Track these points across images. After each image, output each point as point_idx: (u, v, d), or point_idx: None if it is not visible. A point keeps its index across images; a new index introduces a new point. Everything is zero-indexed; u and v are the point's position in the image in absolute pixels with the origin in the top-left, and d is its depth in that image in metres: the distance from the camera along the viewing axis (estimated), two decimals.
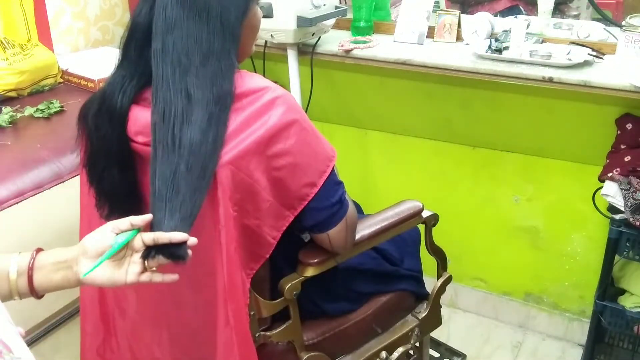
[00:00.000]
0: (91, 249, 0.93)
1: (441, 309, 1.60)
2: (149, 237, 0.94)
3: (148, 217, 0.97)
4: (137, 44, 1.06)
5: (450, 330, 2.30)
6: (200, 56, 1.02)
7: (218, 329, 1.11)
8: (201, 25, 1.02)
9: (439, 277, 1.57)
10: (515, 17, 2.22)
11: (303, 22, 1.83)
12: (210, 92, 1.01)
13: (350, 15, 2.13)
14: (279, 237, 1.13)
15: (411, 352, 1.57)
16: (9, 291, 0.92)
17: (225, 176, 1.01)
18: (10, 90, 1.85)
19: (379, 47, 2.01)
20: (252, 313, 1.21)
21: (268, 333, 1.28)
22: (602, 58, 1.79)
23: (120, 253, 0.95)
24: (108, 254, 0.93)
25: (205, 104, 1.00)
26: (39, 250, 0.97)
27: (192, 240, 0.96)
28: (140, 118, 1.07)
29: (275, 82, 1.11)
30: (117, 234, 0.94)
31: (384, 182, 2.42)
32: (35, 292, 0.94)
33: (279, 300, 1.25)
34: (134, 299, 1.27)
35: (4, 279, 0.92)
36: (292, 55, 2.00)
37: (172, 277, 0.98)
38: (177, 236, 0.94)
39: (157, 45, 1.02)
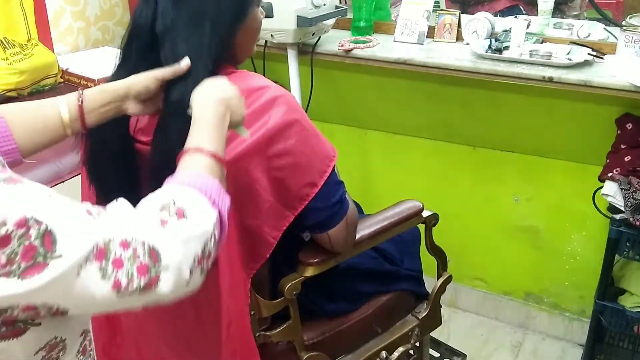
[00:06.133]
0: (143, 95, 1.00)
1: (441, 309, 1.60)
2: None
3: (185, 62, 1.00)
4: (138, 46, 1.06)
5: (450, 330, 2.30)
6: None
7: (222, 329, 1.11)
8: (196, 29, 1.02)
9: (439, 277, 1.57)
10: (515, 16, 2.22)
11: (303, 22, 1.83)
12: None
13: (350, 15, 2.13)
14: (279, 236, 1.13)
15: (411, 352, 1.57)
16: (64, 133, 0.98)
17: (226, 176, 1.01)
18: (10, 90, 1.85)
19: (379, 47, 2.01)
20: (252, 313, 1.21)
21: (268, 333, 1.28)
22: (602, 58, 1.79)
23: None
24: None
25: None
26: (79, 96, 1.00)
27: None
28: (142, 118, 1.07)
29: (275, 82, 1.11)
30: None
31: (384, 182, 2.42)
32: (86, 129, 1.00)
33: (279, 300, 1.25)
34: None
35: (58, 125, 0.97)
36: (292, 55, 2.00)
37: None
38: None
39: (164, 51, 1.03)
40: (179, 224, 0.75)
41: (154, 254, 0.71)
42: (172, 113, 1.00)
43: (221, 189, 0.83)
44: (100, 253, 0.66)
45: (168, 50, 1.03)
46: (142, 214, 0.75)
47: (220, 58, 1.06)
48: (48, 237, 0.63)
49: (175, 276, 0.73)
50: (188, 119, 0.93)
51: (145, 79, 1.00)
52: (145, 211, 0.76)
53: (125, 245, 0.69)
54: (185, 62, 1.00)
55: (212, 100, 0.91)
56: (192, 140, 0.87)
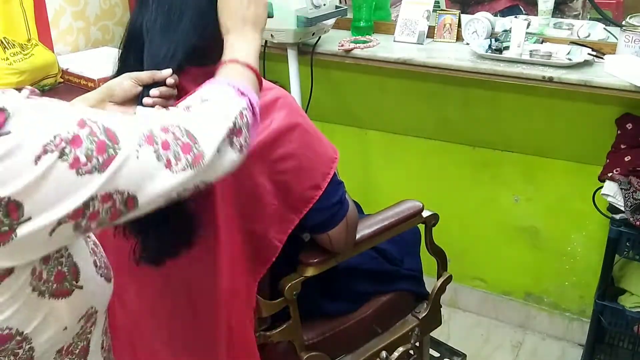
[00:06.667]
0: (119, 94, 1.01)
1: (441, 309, 1.60)
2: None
3: (167, 72, 1.00)
4: (135, 50, 1.05)
5: (450, 330, 2.30)
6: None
7: (218, 332, 1.11)
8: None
9: (439, 277, 1.57)
10: (515, 16, 2.21)
11: (303, 22, 1.83)
12: None
13: (350, 15, 2.13)
14: (285, 239, 1.13)
15: (411, 352, 1.57)
16: None
17: (227, 180, 1.01)
18: None
19: (379, 47, 2.01)
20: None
21: (268, 333, 1.28)
22: (602, 58, 1.79)
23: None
24: None
25: None
26: None
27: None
28: None
29: (275, 82, 1.11)
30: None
31: (384, 182, 2.42)
32: None
33: (279, 300, 1.25)
34: (134, 292, 1.26)
35: None
36: (292, 55, 2.00)
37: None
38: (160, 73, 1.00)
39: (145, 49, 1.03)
40: (202, 105, 0.83)
41: (190, 135, 0.77)
42: None
43: (249, 87, 0.88)
44: (149, 139, 0.73)
45: (147, 49, 1.01)
46: (169, 110, 0.84)
47: (210, 56, 1.06)
48: (109, 132, 0.70)
49: (213, 151, 0.79)
50: None
51: (122, 79, 1.00)
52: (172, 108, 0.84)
53: (165, 130, 0.75)
54: (167, 72, 0.98)
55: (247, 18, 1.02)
56: (227, 53, 0.93)
